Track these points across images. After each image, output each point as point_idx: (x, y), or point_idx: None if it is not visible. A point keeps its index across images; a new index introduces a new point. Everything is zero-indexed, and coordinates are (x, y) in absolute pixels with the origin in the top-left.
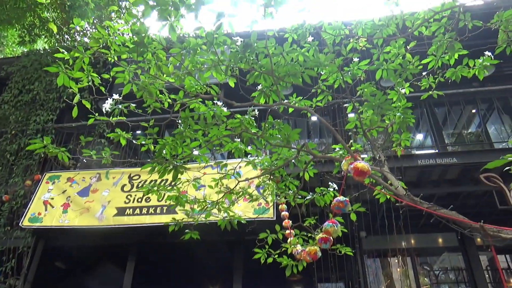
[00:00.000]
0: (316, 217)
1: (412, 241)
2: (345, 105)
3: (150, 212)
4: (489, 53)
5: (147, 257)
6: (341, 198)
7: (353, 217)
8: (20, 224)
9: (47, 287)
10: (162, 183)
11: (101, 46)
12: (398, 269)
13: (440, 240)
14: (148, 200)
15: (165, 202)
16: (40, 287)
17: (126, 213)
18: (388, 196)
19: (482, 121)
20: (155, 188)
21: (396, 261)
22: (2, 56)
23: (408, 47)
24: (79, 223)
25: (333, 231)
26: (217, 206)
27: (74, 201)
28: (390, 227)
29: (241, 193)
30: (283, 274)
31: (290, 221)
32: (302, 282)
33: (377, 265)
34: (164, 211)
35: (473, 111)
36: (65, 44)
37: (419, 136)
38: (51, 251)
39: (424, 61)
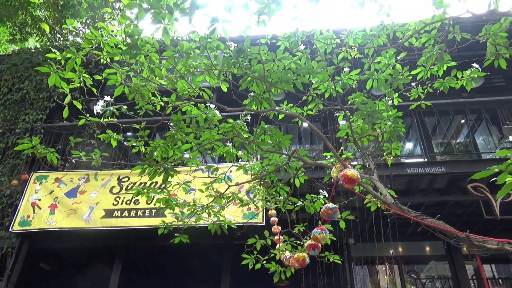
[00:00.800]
0: (306, 224)
1: (400, 249)
2: (336, 114)
3: (138, 214)
4: (477, 65)
5: (134, 261)
6: (330, 205)
7: (342, 224)
8: (10, 228)
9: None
10: (152, 186)
11: (93, 47)
12: (385, 277)
13: (427, 248)
14: (137, 202)
15: (154, 205)
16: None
17: (114, 215)
18: (379, 205)
19: (470, 131)
20: (145, 190)
21: (384, 268)
22: None
23: (398, 58)
24: (66, 225)
25: (322, 238)
26: (207, 210)
27: (62, 202)
28: (378, 235)
29: (231, 197)
30: (271, 279)
31: (279, 227)
32: None
33: (365, 273)
34: (153, 214)
35: (462, 121)
36: (57, 43)
37: (409, 145)
38: (36, 252)
39: (413, 72)
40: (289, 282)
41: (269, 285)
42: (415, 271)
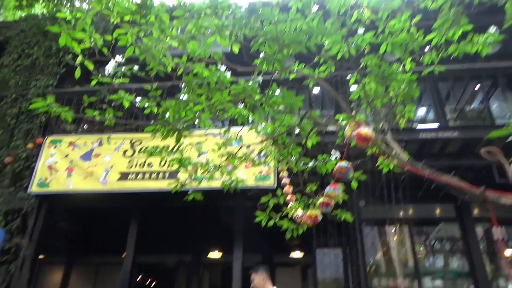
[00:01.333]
0: (318, 183)
1: (410, 211)
2: (348, 77)
3: (152, 177)
4: (494, 29)
5: (149, 222)
6: (344, 163)
7: (354, 184)
8: (28, 190)
9: (51, 247)
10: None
11: (103, 7)
12: (394, 238)
13: (437, 210)
14: (151, 165)
15: (167, 167)
16: (45, 247)
17: (129, 178)
18: (391, 167)
19: (485, 97)
20: (158, 151)
21: (393, 230)
22: (2, 20)
23: (413, 22)
24: (83, 187)
25: (335, 196)
26: (219, 169)
27: (77, 165)
28: (389, 197)
29: (243, 157)
30: (283, 239)
31: (291, 187)
32: (301, 247)
33: (375, 234)
34: (167, 176)
35: (477, 87)
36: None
37: (421, 111)
38: (55, 213)
39: (428, 37)
40: (300, 241)
41: (281, 245)
42: (425, 232)
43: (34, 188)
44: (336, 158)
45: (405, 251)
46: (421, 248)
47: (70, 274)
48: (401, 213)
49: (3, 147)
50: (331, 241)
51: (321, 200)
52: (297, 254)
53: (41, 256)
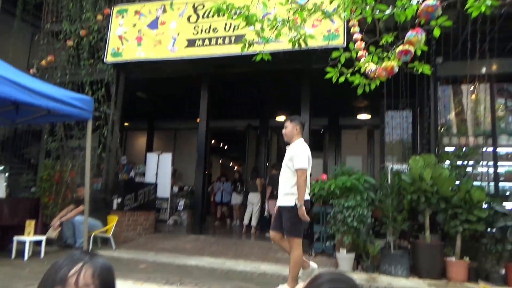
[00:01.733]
0: (395, 33)
1: (494, 67)
2: None
3: (219, 42)
4: None
5: (219, 89)
6: (430, 1)
7: (437, 32)
8: (104, 60)
9: (135, 115)
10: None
11: None
12: (472, 97)
13: None
14: (216, 30)
15: (233, 32)
16: (129, 116)
17: (196, 44)
18: (483, 8)
19: None
20: (224, 6)
21: (471, 88)
22: None
23: None
24: (154, 56)
25: (416, 41)
26: (288, 24)
27: (146, 34)
28: (472, 51)
29: (313, 9)
30: (349, 103)
31: (363, 43)
32: (367, 110)
33: (449, 93)
34: (233, 41)
35: None
36: None
37: None
38: (132, 83)
39: None
40: (367, 103)
41: (347, 109)
42: (506, 90)
43: (108, 58)
44: (418, 2)
45: (482, 110)
46: (501, 106)
47: (153, 138)
48: (483, 69)
49: (76, 20)
50: (402, 100)
51: (400, 48)
52: (363, 116)
53: (126, 124)
